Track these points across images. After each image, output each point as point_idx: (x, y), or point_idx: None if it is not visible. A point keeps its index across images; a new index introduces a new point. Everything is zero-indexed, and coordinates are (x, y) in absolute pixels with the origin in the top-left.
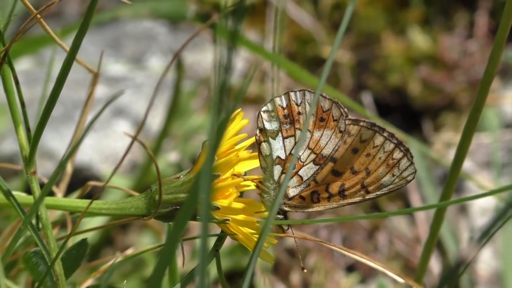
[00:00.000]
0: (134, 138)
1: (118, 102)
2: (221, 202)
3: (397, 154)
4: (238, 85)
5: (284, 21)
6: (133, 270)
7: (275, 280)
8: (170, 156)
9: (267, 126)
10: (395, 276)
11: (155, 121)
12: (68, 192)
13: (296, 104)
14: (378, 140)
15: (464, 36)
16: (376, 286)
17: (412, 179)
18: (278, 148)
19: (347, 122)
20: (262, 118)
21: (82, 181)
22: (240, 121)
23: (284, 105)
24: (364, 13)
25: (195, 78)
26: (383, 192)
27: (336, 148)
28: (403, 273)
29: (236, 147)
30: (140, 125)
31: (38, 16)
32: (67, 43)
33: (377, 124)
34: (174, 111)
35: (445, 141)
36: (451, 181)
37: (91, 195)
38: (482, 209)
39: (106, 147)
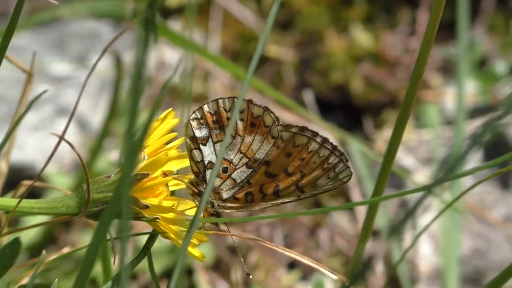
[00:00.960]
0: (61, 138)
1: (62, 102)
2: (151, 201)
3: (333, 160)
4: (181, 84)
5: (227, 19)
6: (74, 268)
7: (217, 277)
8: (111, 155)
9: (197, 133)
10: (329, 273)
11: (98, 120)
12: (8, 191)
13: (225, 110)
14: (313, 146)
15: (407, 33)
16: (313, 283)
17: (348, 181)
18: (209, 153)
19: (279, 128)
20: (191, 126)
21: (22, 181)
22: (171, 120)
23: (213, 112)
24: (307, 11)
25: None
26: (318, 191)
27: (269, 152)
28: (344, 269)
29: (167, 146)
30: (67, 122)
31: None
32: (12, 43)
33: (309, 128)
34: (115, 110)
35: (386, 138)
36: (382, 176)
37: (37, 195)
38: (423, 205)
39: (49, 147)
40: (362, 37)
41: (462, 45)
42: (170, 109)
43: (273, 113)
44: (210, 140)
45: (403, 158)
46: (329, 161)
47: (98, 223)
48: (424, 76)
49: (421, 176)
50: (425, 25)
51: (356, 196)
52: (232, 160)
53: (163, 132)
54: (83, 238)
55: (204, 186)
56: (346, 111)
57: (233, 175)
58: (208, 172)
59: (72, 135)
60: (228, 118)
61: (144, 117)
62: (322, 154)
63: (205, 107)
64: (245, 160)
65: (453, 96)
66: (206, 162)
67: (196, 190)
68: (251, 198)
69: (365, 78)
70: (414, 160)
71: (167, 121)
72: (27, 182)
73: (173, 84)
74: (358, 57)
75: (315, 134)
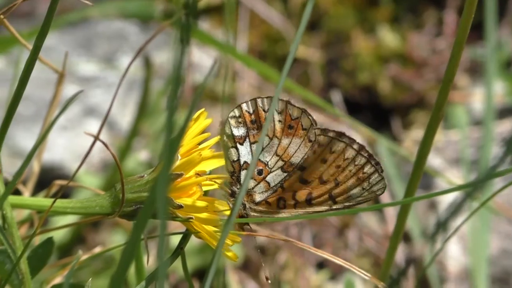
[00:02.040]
0: (96, 138)
1: (90, 102)
2: (184, 201)
3: (368, 169)
4: (209, 84)
5: (254, 20)
6: (104, 268)
7: (246, 277)
8: (140, 155)
9: (235, 132)
10: (361, 273)
11: (126, 120)
12: (39, 191)
13: (263, 110)
14: (349, 153)
15: (433, 34)
16: (344, 283)
17: (381, 194)
18: (246, 153)
19: (317, 131)
20: (230, 124)
21: (54, 181)
22: (204, 121)
23: (251, 111)
24: (334, 12)
25: (165, 77)
26: (350, 203)
27: (305, 157)
28: (373, 270)
29: (200, 146)
30: (102, 123)
31: (1, 16)
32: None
33: (347, 134)
34: (143, 110)
35: (414, 139)
36: (414, 178)
37: (65, 194)
38: (460, 207)
39: (78, 147)
40: (388, 37)
41: (490, 45)
42: (203, 109)
43: (311, 115)
44: (247, 140)
45: (431, 158)
46: (364, 170)
47: (134, 223)
48: None
49: (450, 176)
50: (452, 25)
51: (384, 196)
52: (268, 162)
53: (196, 132)
54: (112, 238)
55: (238, 187)
56: (374, 111)
57: (268, 178)
58: (243, 173)
59: (101, 135)
60: (266, 119)
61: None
62: (358, 163)
63: (244, 106)
64: (280, 163)
65: (481, 96)
66: (242, 162)
67: (229, 191)
68: (283, 204)
69: (393, 78)
70: (442, 161)
71: (200, 121)
72: (59, 182)
73: (201, 85)
74: (385, 58)
75: (352, 140)
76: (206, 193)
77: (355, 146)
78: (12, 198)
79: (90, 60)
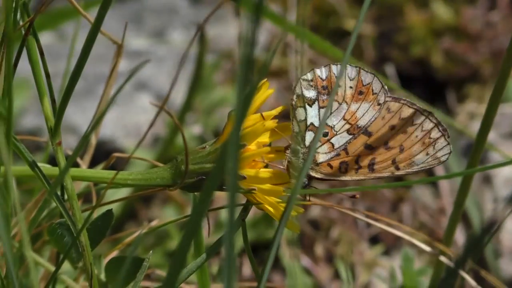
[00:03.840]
0: (161, 108)
1: (140, 76)
2: (248, 172)
3: (435, 134)
4: (261, 57)
5: None
6: (156, 243)
7: (300, 252)
8: (193, 129)
9: (306, 93)
10: (421, 245)
11: (178, 95)
12: (91, 165)
13: (336, 77)
14: (418, 118)
15: (487, 7)
16: (401, 257)
17: (445, 160)
18: (313, 115)
19: (387, 98)
20: (301, 85)
21: (105, 155)
22: (266, 91)
23: (324, 77)
24: None
25: (217, 52)
26: (413, 170)
27: (372, 120)
28: (427, 244)
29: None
30: (166, 98)
31: None
32: (90, 16)
33: (417, 103)
34: (196, 84)
35: (468, 112)
36: (476, 152)
37: (115, 168)
38: (507, 179)
39: (129, 121)
40: (442, 10)
41: None
42: (265, 79)
43: (382, 81)
44: (316, 103)
45: None
46: (431, 135)
47: (200, 193)
48: None
49: (504, 149)
50: None
51: (439, 169)
52: (334, 126)
53: (258, 103)
54: (164, 213)
55: (301, 146)
56: (427, 85)
57: (333, 140)
58: (308, 134)
59: (152, 109)
60: (338, 85)
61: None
62: (425, 128)
63: (317, 71)
64: (347, 126)
65: None
66: (308, 123)
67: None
68: (344, 168)
69: (446, 52)
70: (495, 135)
71: (262, 92)
72: (117, 154)
73: (267, 57)
74: (439, 31)
75: (423, 109)
76: (267, 166)
77: (425, 113)
78: (72, 170)
79: (140, 35)
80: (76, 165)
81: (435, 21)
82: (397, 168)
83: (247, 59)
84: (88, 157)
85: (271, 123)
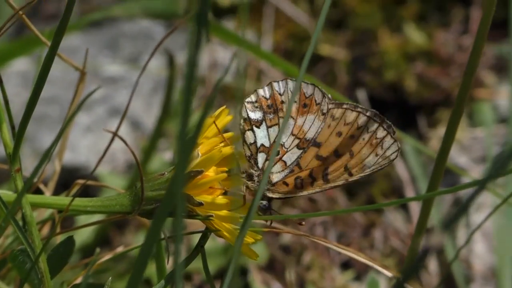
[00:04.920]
0: (115, 134)
1: (115, 102)
2: (204, 198)
3: (381, 133)
4: (233, 84)
5: (280, 19)
6: (129, 269)
7: (270, 277)
8: (165, 155)
9: (251, 115)
10: (386, 272)
11: (151, 121)
12: (62, 192)
13: (279, 94)
14: (362, 120)
15: (460, 31)
16: (368, 282)
17: (395, 158)
18: (262, 136)
19: (330, 106)
20: (246, 108)
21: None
22: (225, 118)
23: (268, 96)
24: (360, 10)
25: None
26: (366, 173)
27: (319, 130)
28: (398, 269)
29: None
30: (121, 120)
31: (21, 13)
32: (65, 44)
33: (360, 105)
34: (167, 110)
35: (440, 137)
36: (437, 173)
37: (90, 195)
38: (477, 204)
39: (102, 147)
40: (415, 35)
41: None
42: (224, 107)
43: (323, 90)
44: (264, 123)
45: (457, 156)
46: (377, 136)
47: (152, 221)
48: (478, 75)
49: (475, 174)
50: (479, 23)
51: (410, 194)
52: (284, 143)
53: (217, 130)
54: (137, 239)
55: (255, 169)
56: (400, 109)
57: (284, 157)
58: (260, 155)
59: (126, 135)
60: (282, 102)
61: (198, 116)
62: (371, 129)
63: (260, 91)
64: (296, 141)
65: (506, 94)
66: (258, 145)
67: (246, 173)
68: (300, 183)
69: (419, 76)
70: (468, 159)
71: (221, 118)
72: (80, 181)
73: (226, 84)
74: (412, 56)
75: (366, 109)
76: (225, 192)
77: (368, 113)
78: (32, 197)
79: (115, 60)
80: (41, 192)
81: (408, 45)
82: (350, 174)
83: (189, 85)
84: (52, 183)
85: (228, 149)
